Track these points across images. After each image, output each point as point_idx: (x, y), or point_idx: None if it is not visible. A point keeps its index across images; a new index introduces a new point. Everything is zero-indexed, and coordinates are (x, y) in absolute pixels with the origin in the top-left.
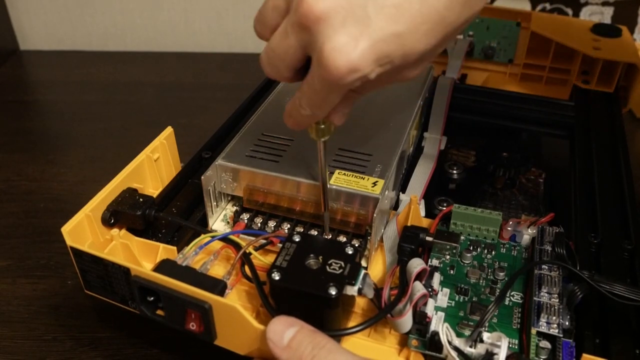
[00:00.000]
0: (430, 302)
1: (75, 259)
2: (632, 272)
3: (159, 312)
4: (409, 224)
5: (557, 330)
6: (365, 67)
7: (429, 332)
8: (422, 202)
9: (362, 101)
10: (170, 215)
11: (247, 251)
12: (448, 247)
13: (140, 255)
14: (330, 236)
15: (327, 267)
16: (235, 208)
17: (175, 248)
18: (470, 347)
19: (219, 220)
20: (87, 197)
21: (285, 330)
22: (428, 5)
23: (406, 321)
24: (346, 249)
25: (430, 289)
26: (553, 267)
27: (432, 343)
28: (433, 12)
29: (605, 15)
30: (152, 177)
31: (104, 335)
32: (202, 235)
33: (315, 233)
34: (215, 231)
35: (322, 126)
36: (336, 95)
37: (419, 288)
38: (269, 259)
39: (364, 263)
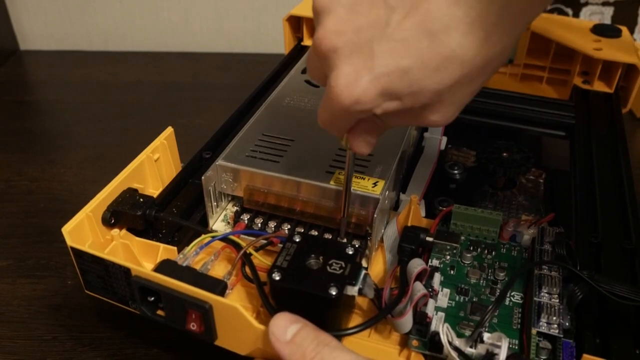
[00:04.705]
0: (431, 302)
1: (76, 259)
2: (632, 272)
3: (160, 312)
4: (409, 224)
5: (557, 331)
6: (368, 101)
7: (430, 332)
8: (422, 202)
9: None
10: (171, 216)
11: (248, 251)
12: (448, 247)
13: (140, 256)
14: (345, 240)
15: (328, 268)
16: (235, 208)
17: (175, 248)
18: (471, 347)
19: (219, 221)
20: (87, 197)
21: (289, 326)
22: (439, 42)
23: (406, 321)
24: (347, 249)
25: (430, 289)
26: (553, 267)
27: (432, 343)
28: (444, 48)
29: (605, 15)
30: (152, 177)
31: (104, 335)
32: (203, 236)
33: (316, 233)
34: (216, 231)
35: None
36: (345, 122)
37: (419, 288)
38: (270, 259)
39: (364, 263)
